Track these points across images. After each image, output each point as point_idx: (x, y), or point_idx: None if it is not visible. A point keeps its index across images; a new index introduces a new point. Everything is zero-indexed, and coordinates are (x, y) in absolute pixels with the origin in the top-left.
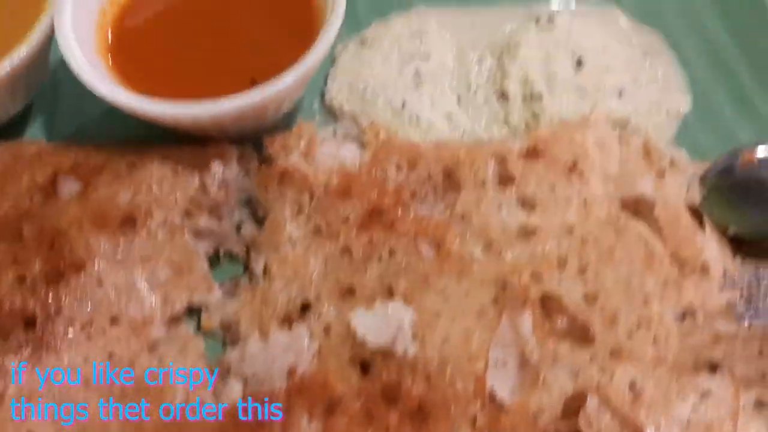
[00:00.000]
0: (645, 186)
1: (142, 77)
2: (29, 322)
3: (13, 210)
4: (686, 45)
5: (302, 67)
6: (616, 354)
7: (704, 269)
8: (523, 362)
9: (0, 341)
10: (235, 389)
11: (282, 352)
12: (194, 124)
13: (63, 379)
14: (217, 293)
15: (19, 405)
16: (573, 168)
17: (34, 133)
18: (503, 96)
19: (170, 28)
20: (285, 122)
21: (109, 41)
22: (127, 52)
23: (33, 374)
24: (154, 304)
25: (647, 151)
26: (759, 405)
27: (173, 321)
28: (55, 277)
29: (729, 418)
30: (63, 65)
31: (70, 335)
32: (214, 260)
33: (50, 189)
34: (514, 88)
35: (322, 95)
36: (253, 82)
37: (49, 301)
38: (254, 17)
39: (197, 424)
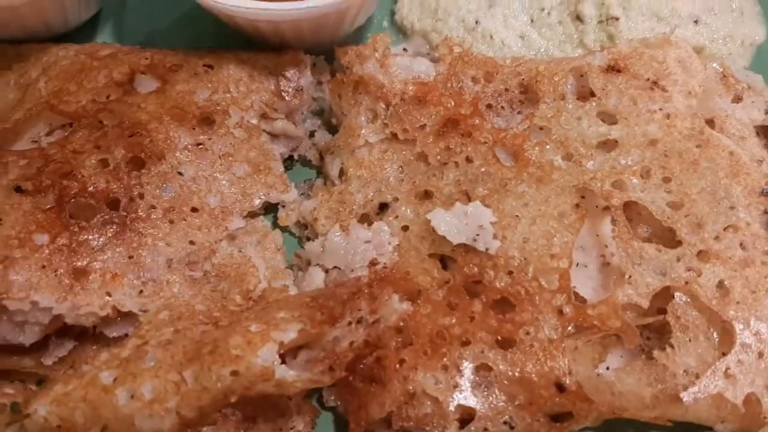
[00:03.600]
0: (722, 106)
1: None
2: (112, 204)
3: (92, 103)
4: None
5: None
6: (703, 255)
7: None
8: (604, 264)
9: (84, 221)
10: (316, 278)
11: (363, 245)
12: (273, 26)
13: (146, 258)
14: (293, 193)
15: (103, 279)
16: (655, 84)
17: (104, 38)
18: (578, 18)
19: None
20: (355, 38)
21: None
22: None
23: (117, 252)
24: (232, 197)
25: (724, 76)
26: None
27: (251, 215)
28: (137, 164)
29: None
30: None
31: (153, 219)
32: (287, 164)
33: (128, 86)
34: (589, 11)
35: (392, 13)
36: None
37: (132, 185)
38: None
39: (279, 304)
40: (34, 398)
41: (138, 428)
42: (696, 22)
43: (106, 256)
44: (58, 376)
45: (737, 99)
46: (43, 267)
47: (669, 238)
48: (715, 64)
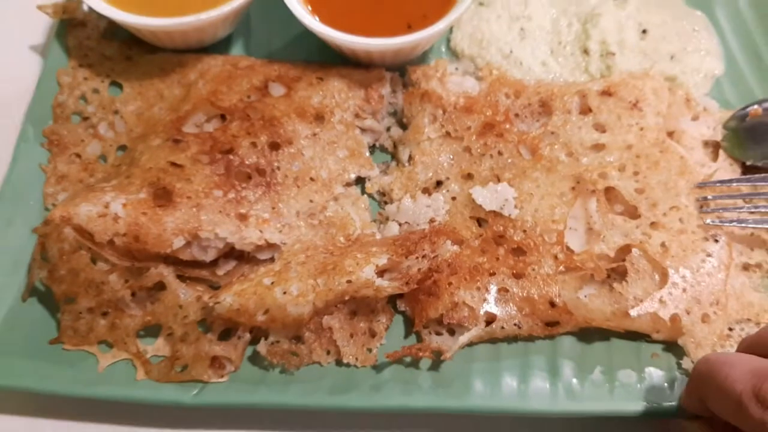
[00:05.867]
0: (683, 123)
1: (331, 19)
2: (260, 173)
3: (240, 102)
4: (725, 26)
5: (450, 18)
6: (654, 225)
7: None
8: (588, 229)
9: (244, 182)
10: (393, 229)
11: (425, 208)
12: (366, 53)
13: (283, 210)
14: (376, 170)
15: (257, 222)
16: (635, 105)
17: (237, 50)
18: (585, 52)
19: None
20: (420, 59)
21: None
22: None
23: (265, 204)
24: (336, 172)
25: (687, 100)
26: (745, 267)
27: (347, 185)
28: (275, 147)
29: (723, 268)
30: (256, 4)
31: (287, 184)
32: (371, 150)
33: (264, 90)
34: (594, 47)
35: (448, 41)
36: (408, 27)
37: (272, 161)
38: None
39: (371, 242)
40: (220, 292)
41: (288, 312)
42: (672, 58)
43: (258, 207)
44: (232, 281)
45: (695, 118)
46: (220, 212)
47: (633, 213)
48: (681, 91)
